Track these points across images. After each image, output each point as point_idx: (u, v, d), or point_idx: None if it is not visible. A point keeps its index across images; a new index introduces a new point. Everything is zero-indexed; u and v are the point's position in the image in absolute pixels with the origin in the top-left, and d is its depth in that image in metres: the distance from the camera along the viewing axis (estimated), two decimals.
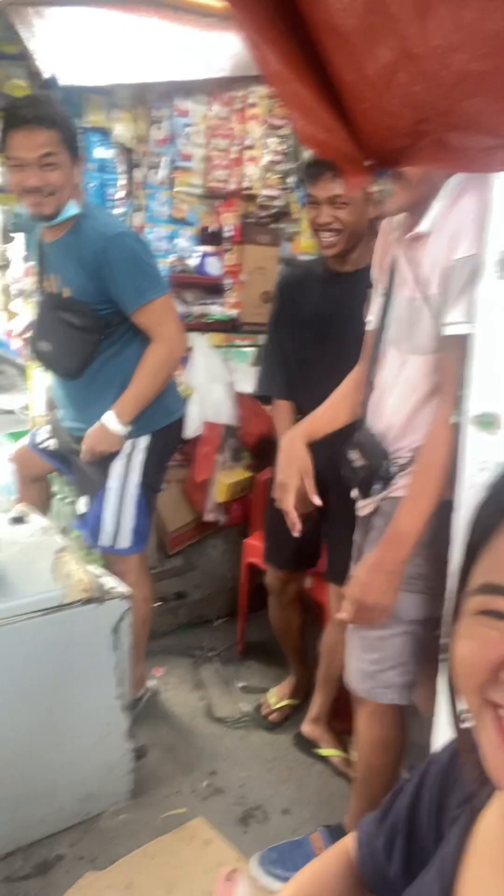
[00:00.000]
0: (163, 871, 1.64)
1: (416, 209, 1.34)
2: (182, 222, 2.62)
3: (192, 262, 2.76)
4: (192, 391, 2.66)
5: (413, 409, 1.40)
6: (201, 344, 2.71)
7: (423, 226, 1.33)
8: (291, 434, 1.63)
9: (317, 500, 1.55)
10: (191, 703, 2.33)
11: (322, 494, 1.97)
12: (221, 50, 2.52)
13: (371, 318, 1.58)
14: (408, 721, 1.56)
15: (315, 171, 1.81)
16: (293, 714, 2.27)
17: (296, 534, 1.55)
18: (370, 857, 0.71)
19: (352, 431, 1.59)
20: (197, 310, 2.73)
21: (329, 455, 1.72)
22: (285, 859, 1.66)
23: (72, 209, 1.87)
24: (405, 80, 0.63)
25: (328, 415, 1.65)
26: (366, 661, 1.48)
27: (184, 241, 2.63)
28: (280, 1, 0.67)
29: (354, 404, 1.63)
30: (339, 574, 1.72)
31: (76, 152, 1.85)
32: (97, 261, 1.85)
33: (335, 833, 1.70)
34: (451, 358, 1.31)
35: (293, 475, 1.56)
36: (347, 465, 1.48)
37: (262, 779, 2.01)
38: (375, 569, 1.36)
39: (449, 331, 1.29)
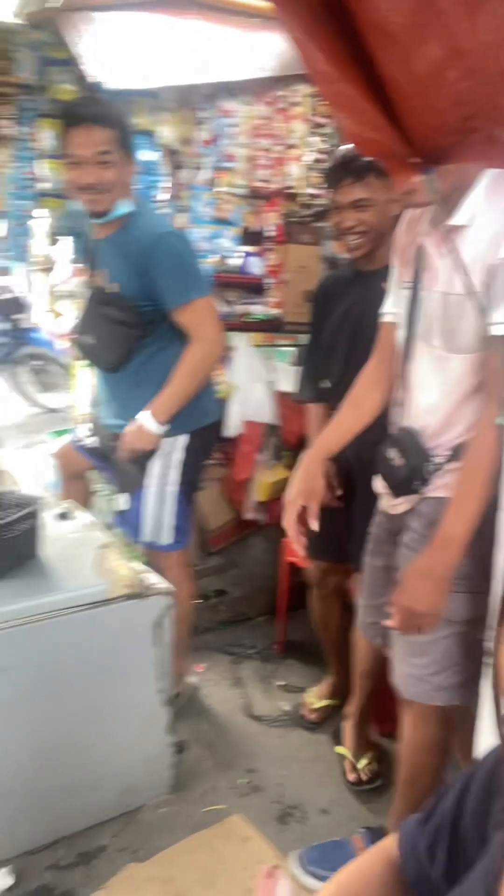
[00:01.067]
0: (202, 866, 1.66)
1: (449, 201, 1.31)
2: (225, 222, 2.64)
3: (235, 261, 2.77)
4: (234, 390, 2.68)
5: (453, 407, 1.38)
6: (243, 343, 2.72)
7: (460, 218, 1.30)
8: (311, 453, 1.63)
9: (314, 525, 1.55)
10: (230, 700, 2.35)
11: (348, 486, 1.97)
12: (266, 50, 2.53)
13: (391, 311, 1.55)
14: (453, 722, 1.55)
15: (336, 176, 1.80)
16: (332, 714, 2.26)
17: (301, 552, 1.57)
18: (413, 859, 0.70)
19: (378, 424, 1.58)
20: (239, 309, 2.74)
21: (356, 447, 1.71)
22: (326, 859, 1.66)
23: (124, 207, 1.91)
24: (454, 76, 0.62)
25: (343, 426, 1.62)
26: (415, 665, 1.46)
27: (226, 241, 2.65)
28: (326, 1, 0.68)
29: (370, 405, 1.61)
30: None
31: (130, 152, 1.89)
32: (143, 258, 1.88)
33: (377, 835, 1.69)
34: (498, 358, 1.28)
35: (300, 496, 1.56)
36: (385, 464, 1.46)
37: (301, 778, 2.01)
38: (424, 575, 1.33)
39: (496, 331, 1.27)
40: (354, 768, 2.01)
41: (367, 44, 0.68)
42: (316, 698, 2.28)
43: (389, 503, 1.53)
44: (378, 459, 1.49)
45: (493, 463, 1.29)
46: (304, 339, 2.60)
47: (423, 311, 1.41)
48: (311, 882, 1.63)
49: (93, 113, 1.79)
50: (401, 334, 1.50)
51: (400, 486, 1.44)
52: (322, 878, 1.61)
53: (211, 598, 2.80)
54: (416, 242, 1.44)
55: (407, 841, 0.72)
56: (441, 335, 1.37)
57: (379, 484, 1.57)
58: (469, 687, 1.44)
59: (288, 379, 2.65)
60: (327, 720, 2.25)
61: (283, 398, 2.86)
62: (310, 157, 2.71)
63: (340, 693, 2.28)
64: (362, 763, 2.00)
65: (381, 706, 2.15)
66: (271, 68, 2.52)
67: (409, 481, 1.41)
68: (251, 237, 2.80)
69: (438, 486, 1.41)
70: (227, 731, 2.20)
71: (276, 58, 2.53)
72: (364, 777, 1.98)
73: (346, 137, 0.78)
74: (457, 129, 0.70)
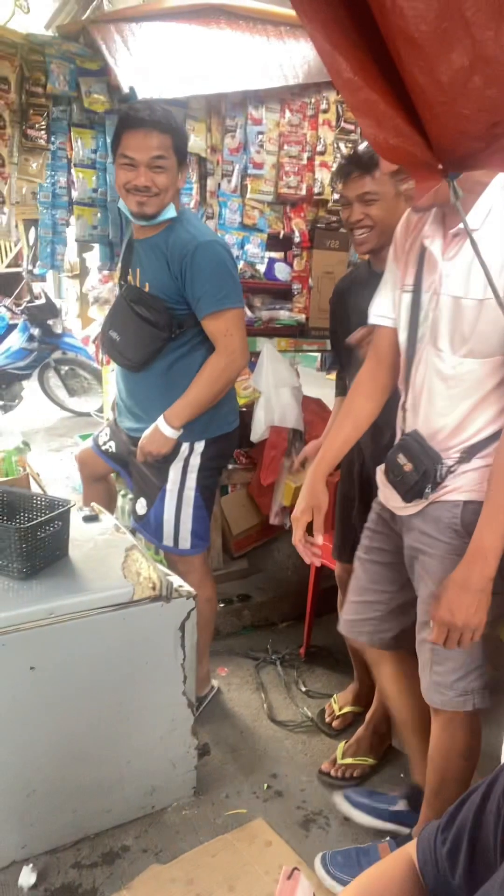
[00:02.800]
0: (224, 869, 1.66)
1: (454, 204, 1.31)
2: (252, 228, 2.66)
3: (261, 267, 2.79)
4: (259, 395, 2.69)
5: (467, 410, 1.37)
6: (269, 348, 2.73)
7: (471, 222, 1.29)
8: (314, 468, 1.64)
9: (319, 540, 1.58)
10: (253, 704, 2.35)
11: (367, 489, 1.98)
12: (294, 58, 2.54)
13: (388, 316, 1.54)
14: (481, 728, 1.54)
15: (344, 170, 1.83)
16: (356, 721, 2.24)
17: (317, 562, 1.61)
18: (433, 865, 0.70)
19: (392, 426, 1.58)
20: (265, 314, 2.76)
21: (374, 450, 1.71)
22: (352, 865, 1.65)
23: (170, 212, 1.94)
24: (479, 83, 0.62)
25: (340, 437, 1.62)
26: (440, 673, 1.46)
27: (253, 247, 2.67)
28: (352, 9, 0.69)
29: (367, 413, 1.61)
30: None
31: (183, 159, 1.94)
32: (184, 262, 1.90)
33: (403, 844, 1.67)
34: None
35: (306, 512, 1.58)
36: (395, 469, 1.46)
37: (324, 784, 2.00)
38: (461, 588, 1.31)
39: None
40: (333, 762, 2.02)
41: (392, 52, 0.69)
42: (339, 705, 2.27)
43: (396, 504, 1.52)
44: (387, 466, 1.49)
45: None
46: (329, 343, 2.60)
47: (426, 315, 1.40)
48: (335, 886, 1.62)
49: (152, 118, 1.84)
50: (403, 338, 1.49)
51: (411, 492, 1.43)
52: (346, 884, 1.60)
53: (234, 603, 2.80)
54: (417, 245, 1.43)
55: (426, 847, 0.72)
56: (450, 339, 1.36)
57: (380, 480, 1.56)
58: (494, 689, 1.44)
59: (314, 384, 2.66)
60: (351, 727, 2.23)
61: (308, 403, 2.87)
62: (337, 162, 2.72)
63: (364, 700, 2.27)
64: (344, 760, 2.01)
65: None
66: (300, 76, 2.54)
67: (420, 486, 1.41)
68: (278, 243, 2.81)
69: (451, 489, 1.40)
70: (250, 735, 2.20)
71: (304, 65, 2.55)
72: (334, 773, 2.00)
73: (371, 145, 0.79)
74: (482, 136, 0.71)
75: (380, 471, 1.57)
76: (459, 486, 1.38)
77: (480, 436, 1.37)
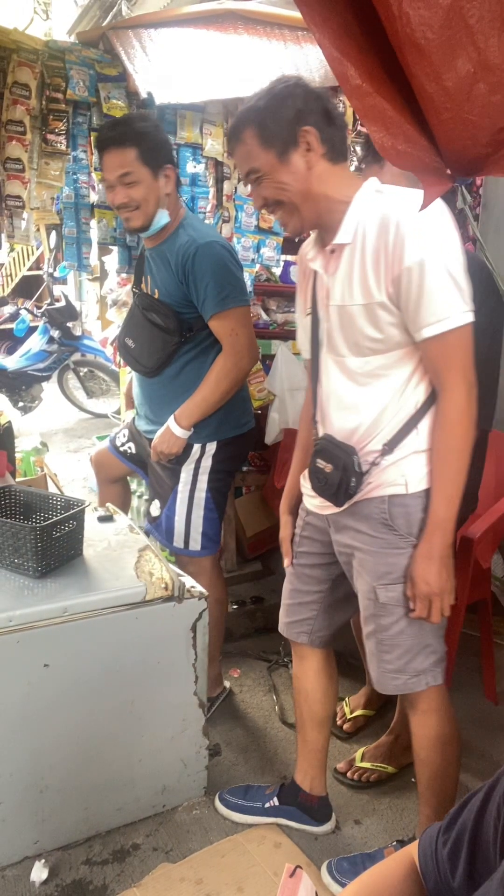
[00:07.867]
0: (234, 869, 1.67)
1: (327, 225, 1.40)
2: (268, 232, 2.67)
3: (277, 270, 2.80)
4: (274, 398, 2.70)
5: (383, 405, 1.42)
6: (283, 351, 2.74)
7: (342, 237, 1.37)
8: (282, 505, 1.78)
9: (286, 563, 1.73)
10: (264, 706, 2.35)
11: None
12: (311, 62, 2.56)
13: (303, 345, 1.62)
14: (454, 716, 1.58)
15: None
16: (367, 725, 2.24)
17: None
18: (434, 867, 0.70)
19: None
20: (280, 317, 2.77)
21: None
22: (358, 870, 1.65)
23: (163, 219, 1.96)
24: (484, 90, 0.63)
25: (298, 468, 1.74)
26: (388, 661, 1.51)
27: (269, 250, 2.68)
28: (360, 17, 0.70)
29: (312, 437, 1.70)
30: None
31: (158, 165, 1.92)
32: (185, 265, 1.92)
33: None
34: (438, 355, 1.34)
35: (285, 540, 1.75)
36: (317, 476, 1.50)
37: (334, 788, 2.00)
38: (426, 559, 1.40)
39: (427, 332, 1.32)
40: (350, 763, 2.04)
41: (400, 59, 0.70)
42: (351, 708, 2.27)
43: (320, 504, 1.56)
44: (310, 474, 1.54)
45: (463, 443, 1.36)
46: None
47: (322, 327, 1.48)
48: (341, 893, 1.62)
49: (112, 136, 1.89)
50: (309, 357, 1.56)
51: (338, 493, 1.46)
52: None
53: (248, 605, 2.81)
54: (309, 272, 1.51)
55: (427, 848, 0.72)
56: (346, 344, 1.43)
57: (305, 490, 1.62)
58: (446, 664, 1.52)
59: None
60: (361, 730, 2.23)
61: None
62: (353, 165, 2.72)
63: (376, 703, 2.27)
64: (362, 764, 2.02)
65: None
66: (316, 80, 2.55)
67: (345, 483, 1.44)
68: (294, 246, 2.82)
69: (376, 485, 1.44)
70: (261, 737, 2.21)
71: (321, 69, 2.55)
72: (349, 775, 2.01)
73: (380, 151, 0.80)
74: (489, 141, 0.71)
75: (304, 480, 1.62)
76: (382, 482, 1.43)
77: (398, 427, 1.42)
